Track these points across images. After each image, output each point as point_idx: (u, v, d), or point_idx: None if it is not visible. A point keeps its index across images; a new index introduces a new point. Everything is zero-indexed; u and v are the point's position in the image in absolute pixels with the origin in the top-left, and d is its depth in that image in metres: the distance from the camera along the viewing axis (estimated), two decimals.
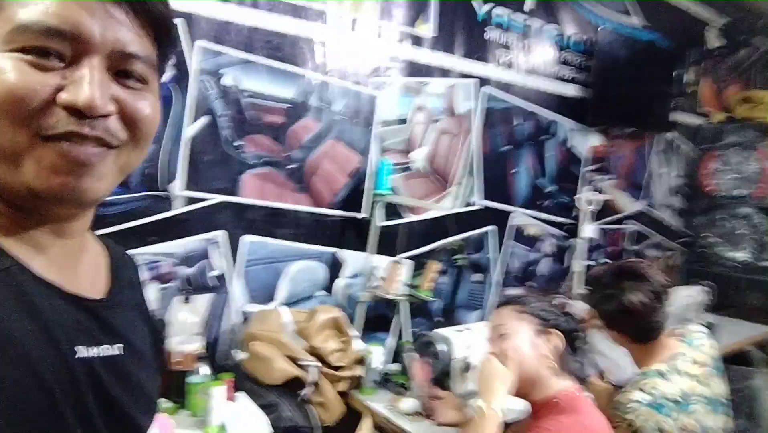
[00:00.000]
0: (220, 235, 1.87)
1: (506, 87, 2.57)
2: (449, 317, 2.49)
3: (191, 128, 1.78)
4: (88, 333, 0.55)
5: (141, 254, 1.73)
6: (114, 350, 0.57)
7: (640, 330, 1.51)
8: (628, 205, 3.24)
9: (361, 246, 2.17)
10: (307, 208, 2.04)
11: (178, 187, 1.78)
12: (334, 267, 2.14)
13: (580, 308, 1.42)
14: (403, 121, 2.25)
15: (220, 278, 1.89)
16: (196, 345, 1.71)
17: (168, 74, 1.73)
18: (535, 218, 2.77)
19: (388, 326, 2.29)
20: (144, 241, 1.73)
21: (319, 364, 1.76)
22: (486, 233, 2.58)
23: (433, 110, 2.34)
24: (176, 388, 1.66)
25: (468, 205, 2.50)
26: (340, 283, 2.15)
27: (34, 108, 0.48)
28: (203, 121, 1.80)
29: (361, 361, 1.92)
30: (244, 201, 1.90)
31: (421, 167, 2.32)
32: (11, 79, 0.47)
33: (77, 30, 0.49)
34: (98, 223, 1.63)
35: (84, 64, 0.49)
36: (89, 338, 0.55)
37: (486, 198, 2.55)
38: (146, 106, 0.54)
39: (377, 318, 2.26)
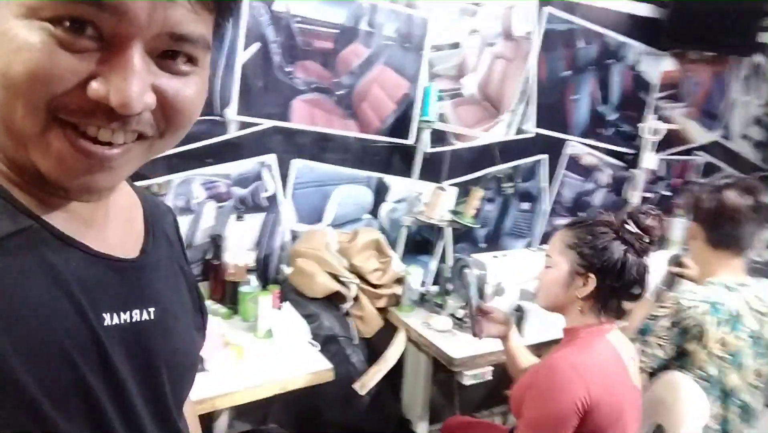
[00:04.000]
0: (271, 158, 1.98)
1: (570, 7, 2.43)
2: (493, 243, 2.54)
3: (243, 55, 1.85)
4: (117, 297, 0.52)
5: (199, 174, 1.88)
6: (145, 314, 0.54)
7: (724, 235, 1.52)
8: (700, 135, 3.06)
9: (407, 172, 2.23)
10: (354, 134, 2.10)
11: (232, 112, 1.88)
12: (381, 192, 2.22)
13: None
14: (455, 46, 2.21)
15: (271, 198, 2.02)
16: (248, 259, 1.89)
17: None
18: (593, 147, 2.69)
19: (432, 250, 2.38)
20: (202, 162, 1.87)
21: (358, 281, 1.90)
22: (538, 161, 2.56)
23: (488, 33, 2.26)
24: (231, 296, 1.86)
25: (520, 132, 2.46)
26: (385, 207, 2.24)
27: (56, 93, 0.42)
28: (255, 47, 1.86)
29: (400, 281, 2.04)
30: (294, 126, 1.99)
31: (472, 94, 2.29)
32: (36, 59, 0.40)
33: (123, 6, 0.40)
34: None
35: (124, 49, 0.42)
36: (118, 302, 0.51)
37: (540, 126, 2.50)
38: (191, 94, 0.47)
39: (421, 242, 2.35)
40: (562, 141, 2.59)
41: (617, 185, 2.83)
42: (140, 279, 0.55)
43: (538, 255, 1.91)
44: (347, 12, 1.97)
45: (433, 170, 2.28)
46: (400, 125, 2.17)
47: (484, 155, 2.40)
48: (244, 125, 1.91)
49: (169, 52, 0.45)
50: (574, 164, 2.67)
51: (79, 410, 0.47)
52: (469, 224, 2.22)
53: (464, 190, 2.38)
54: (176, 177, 1.85)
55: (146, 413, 0.54)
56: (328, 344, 1.78)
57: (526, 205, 2.60)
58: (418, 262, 2.33)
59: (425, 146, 2.20)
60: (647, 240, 1.29)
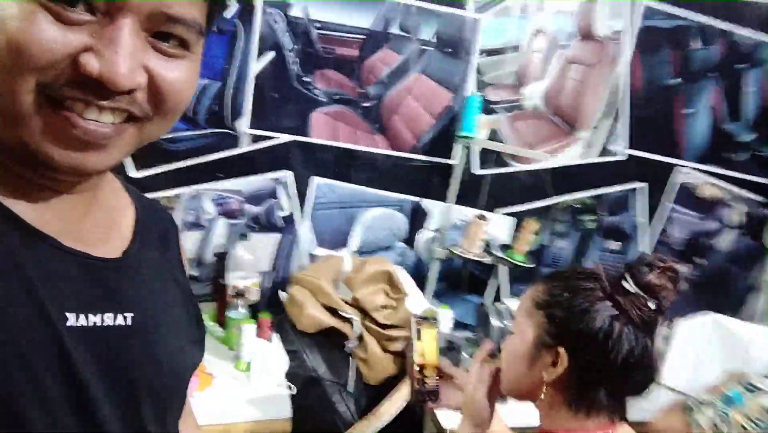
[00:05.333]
0: (287, 175, 1.84)
1: None
2: None
3: (257, 64, 1.74)
4: (86, 298, 0.48)
5: (210, 189, 1.80)
6: (120, 319, 0.50)
7: None
8: None
9: (447, 195, 1.92)
10: (384, 151, 1.86)
11: (244, 125, 1.78)
12: (417, 218, 1.95)
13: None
14: (513, 49, 1.86)
15: (288, 219, 1.87)
16: (249, 282, 1.75)
17: (232, 9, 1.69)
18: (716, 175, 2.10)
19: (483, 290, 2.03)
20: (211, 177, 1.79)
21: (358, 317, 1.65)
22: (632, 190, 2.05)
23: (559, 34, 1.87)
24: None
25: (606, 154, 2.00)
26: (423, 235, 1.95)
27: (45, 65, 0.40)
28: (270, 56, 1.74)
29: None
30: (314, 141, 1.82)
31: (536, 106, 1.91)
32: (25, 29, 0.39)
33: None
34: (167, 157, 1.69)
35: (118, 23, 0.41)
36: (86, 303, 0.48)
37: (635, 147, 2.00)
38: (181, 77, 0.46)
39: (472, 278, 2.02)
40: (669, 167, 2.06)
41: (754, 226, 2.17)
42: (118, 281, 0.52)
43: None
44: (375, 15, 1.76)
45: (481, 196, 1.94)
46: (441, 143, 1.88)
47: (552, 180, 1.99)
48: (257, 138, 1.79)
49: (162, 34, 0.44)
50: (688, 197, 2.10)
51: (32, 412, 0.44)
52: (517, 263, 1.83)
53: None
54: (186, 191, 1.79)
55: (117, 426, 0.50)
56: (308, 387, 1.56)
57: (614, 245, 2.10)
58: (462, 302, 2.00)
59: (473, 167, 1.88)
60: (651, 306, 0.86)
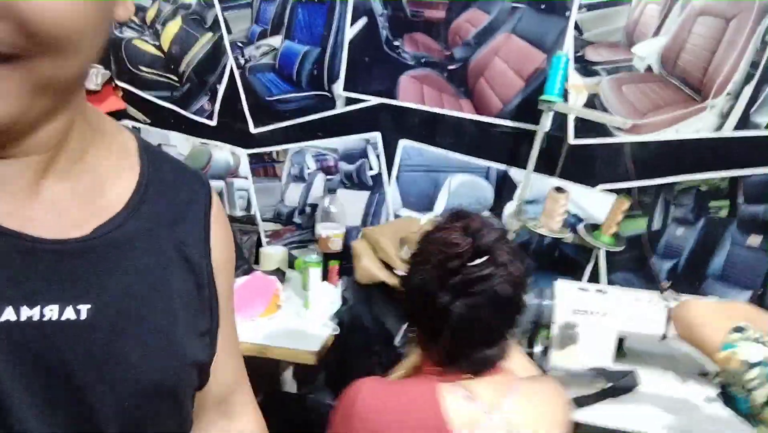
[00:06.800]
0: (377, 136, 1.92)
1: None
2: (686, 284, 1.76)
3: (351, 30, 1.85)
4: (21, 289, 0.41)
5: (311, 146, 2.00)
6: (69, 312, 0.43)
7: None
8: None
9: (543, 166, 1.78)
10: (469, 116, 1.82)
11: (339, 88, 1.91)
12: (506, 187, 1.85)
13: None
14: (622, 2, 1.62)
15: (377, 178, 1.97)
16: (330, 232, 1.91)
17: None
18: None
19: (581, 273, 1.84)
20: (312, 135, 1.98)
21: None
22: None
23: None
24: None
25: (748, 127, 1.62)
26: (510, 206, 1.85)
27: None
28: (362, 22, 1.84)
29: None
30: (401, 104, 1.87)
31: (651, 67, 1.64)
32: None
33: None
34: (278, 116, 1.94)
35: None
36: (19, 295, 0.41)
37: None
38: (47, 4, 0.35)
39: (567, 259, 1.85)
40: None
41: None
42: (74, 267, 0.44)
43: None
44: None
45: (581, 169, 1.76)
46: (532, 107, 1.74)
47: (671, 155, 1.69)
48: (351, 101, 1.92)
49: None
50: None
51: None
52: (602, 244, 1.63)
53: (633, 202, 1.74)
54: (292, 147, 2.01)
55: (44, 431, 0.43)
56: (353, 331, 1.66)
57: (755, 240, 1.69)
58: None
59: (569, 137, 1.72)
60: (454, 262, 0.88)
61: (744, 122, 1.61)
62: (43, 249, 0.42)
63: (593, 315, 1.41)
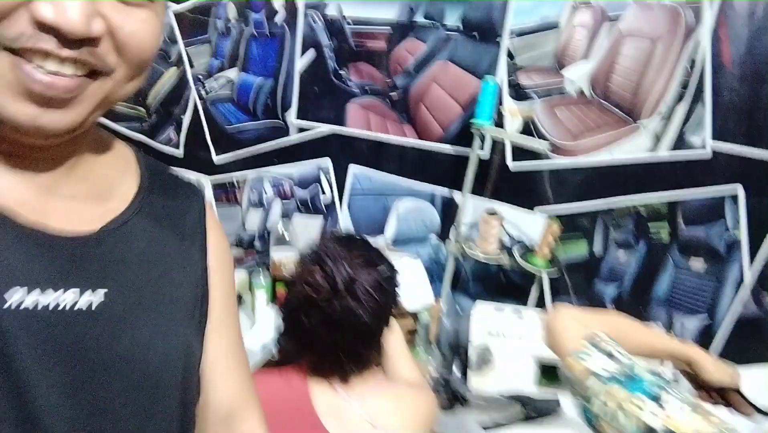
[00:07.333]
0: (328, 162, 1.98)
1: None
2: (633, 309, 1.72)
3: (301, 61, 1.93)
4: (37, 278, 0.44)
5: (269, 173, 2.07)
6: (83, 301, 0.46)
7: None
8: None
9: (484, 190, 1.79)
10: (411, 141, 1.85)
11: (292, 116, 1.99)
12: (452, 210, 1.87)
13: None
14: (551, 27, 1.64)
15: (330, 204, 2.01)
16: (282, 256, 1.95)
17: (281, 15, 1.92)
18: None
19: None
20: (269, 162, 2.05)
21: None
22: (720, 196, 1.58)
23: (608, 4, 1.58)
24: None
25: (683, 147, 1.59)
26: (460, 231, 1.86)
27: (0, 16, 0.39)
28: (310, 54, 1.92)
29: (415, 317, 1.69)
30: (349, 131, 1.92)
31: (578, 90, 1.64)
32: None
33: None
34: (238, 144, 2.04)
35: None
36: (35, 283, 0.44)
37: (723, 139, 1.55)
38: (142, 27, 0.45)
39: (511, 285, 1.84)
40: None
41: None
42: (86, 259, 0.48)
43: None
44: (401, 6, 1.77)
45: (522, 192, 1.76)
46: (471, 132, 1.77)
47: (608, 178, 1.67)
48: (303, 129, 1.99)
49: None
50: None
51: None
52: (533, 268, 1.62)
53: (573, 225, 1.72)
54: (251, 174, 2.09)
55: (64, 414, 0.45)
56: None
57: (697, 263, 1.65)
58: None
59: (507, 159, 1.73)
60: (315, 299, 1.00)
61: (679, 143, 1.59)
62: (61, 242, 0.46)
63: (508, 338, 1.40)
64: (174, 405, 0.55)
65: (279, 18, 1.91)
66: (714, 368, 0.99)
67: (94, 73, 0.43)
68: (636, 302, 1.72)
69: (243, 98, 2.02)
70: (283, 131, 2.01)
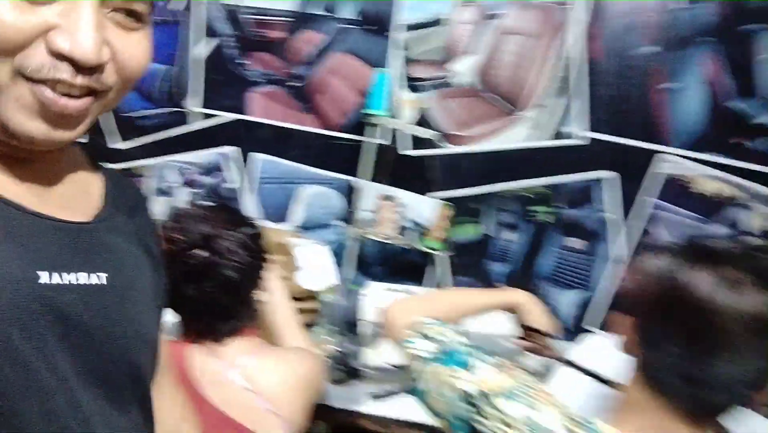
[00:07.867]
0: (233, 150, 2.00)
1: None
2: (522, 286, 1.86)
3: (197, 49, 1.93)
4: (59, 257, 0.50)
5: (173, 161, 2.07)
6: (94, 279, 0.52)
7: None
8: None
9: (382, 176, 1.87)
10: (311, 129, 1.91)
11: (192, 104, 1.99)
12: (354, 197, 1.94)
13: None
14: (436, 23, 1.73)
15: (236, 191, 2.04)
16: None
17: (181, 3, 1.90)
18: (721, 167, 1.65)
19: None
20: (172, 150, 2.05)
21: None
22: (596, 181, 1.74)
23: (490, 3, 1.68)
24: None
25: (561, 137, 1.73)
26: (360, 216, 1.94)
27: (17, 46, 0.43)
28: (211, 42, 1.92)
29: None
30: (252, 119, 1.95)
31: (469, 83, 1.75)
32: None
33: None
34: (140, 131, 2.08)
35: (81, 3, 0.44)
36: (59, 263, 0.49)
37: (598, 129, 1.70)
38: (140, 48, 0.50)
39: (411, 266, 1.94)
40: (647, 154, 1.69)
41: None
42: (90, 243, 0.54)
43: None
44: None
45: (417, 179, 1.86)
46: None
47: (495, 165, 1.79)
48: (207, 117, 1.99)
49: (119, 9, 0.48)
50: (680, 193, 1.70)
51: (9, 373, 0.45)
52: (427, 248, 1.73)
53: (465, 209, 1.84)
54: (157, 162, 2.08)
55: (85, 384, 0.51)
56: None
57: (577, 243, 1.81)
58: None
59: (400, 148, 1.82)
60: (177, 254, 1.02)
61: (557, 133, 1.73)
62: (67, 227, 0.52)
63: None
64: (148, 376, 0.63)
65: (179, 5, 1.90)
66: (537, 310, 1.12)
67: (94, 92, 0.48)
68: (524, 279, 1.87)
69: (144, 84, 2.00)
70: (184, 118, 2.01)
